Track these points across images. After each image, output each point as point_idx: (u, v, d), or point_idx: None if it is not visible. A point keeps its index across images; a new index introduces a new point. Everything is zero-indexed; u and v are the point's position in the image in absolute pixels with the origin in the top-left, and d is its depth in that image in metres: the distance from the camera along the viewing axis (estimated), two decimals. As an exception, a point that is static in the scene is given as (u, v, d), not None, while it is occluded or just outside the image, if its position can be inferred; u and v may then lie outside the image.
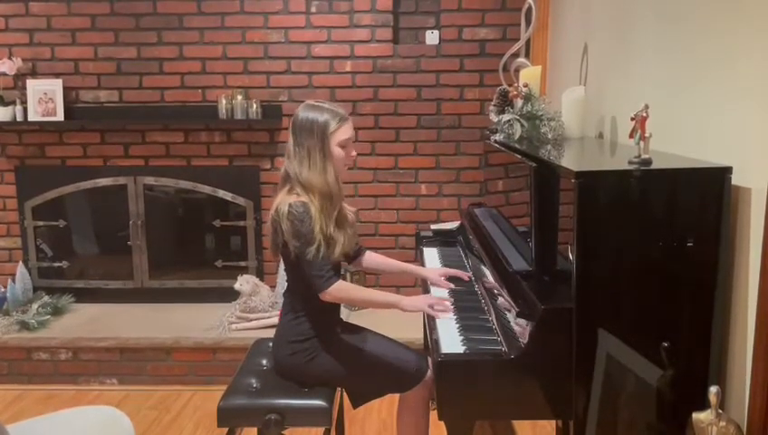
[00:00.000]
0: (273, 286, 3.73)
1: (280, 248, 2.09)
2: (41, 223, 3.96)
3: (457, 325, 1.98)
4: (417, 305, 2.12)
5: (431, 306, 2.08)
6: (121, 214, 3.90)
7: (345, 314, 2.32)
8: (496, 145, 2.47)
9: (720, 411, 1.37)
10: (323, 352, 2.11)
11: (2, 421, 1.65)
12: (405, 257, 3.82)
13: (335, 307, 2.20)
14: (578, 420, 1.59)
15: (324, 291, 2.01)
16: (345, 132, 2.09)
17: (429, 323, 2.06)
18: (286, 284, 2.22)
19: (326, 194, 2.04)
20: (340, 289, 2.04)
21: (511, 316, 1.80)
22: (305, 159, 2.04)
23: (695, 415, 1.40)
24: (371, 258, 2.40)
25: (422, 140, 3.84)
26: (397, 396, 2.19)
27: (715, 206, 1.50)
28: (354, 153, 2.18)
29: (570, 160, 1.96)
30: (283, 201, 2.04)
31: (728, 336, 1.55)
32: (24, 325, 3.50)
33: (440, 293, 2.26)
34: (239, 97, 3.73)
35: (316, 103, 2.13)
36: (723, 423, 1.36)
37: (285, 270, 2.19)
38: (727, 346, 1.55)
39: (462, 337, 1.88)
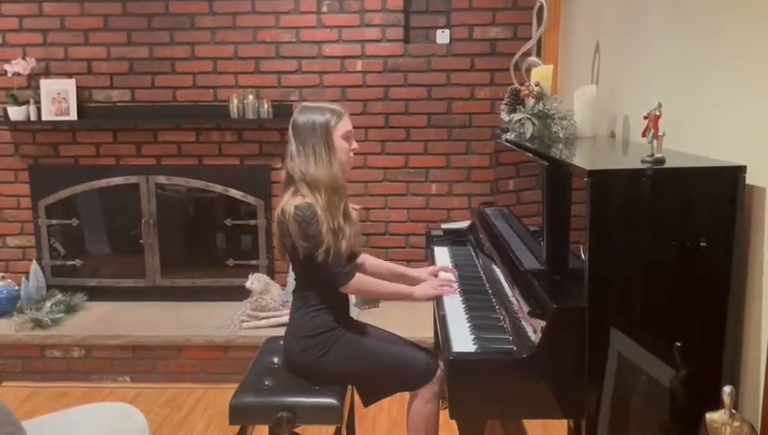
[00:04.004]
0: (283, 285, 3.75)
1: (288, 249, 2.12)
2: (54, 222, 4.00)
3: (469, 324, 1.98)
4: (426, 293, 2.24)
5: (438, 289, 2.24)
6: (133, 213, 3.93)
7: (355, 314, 2.33)
8: (507, 144, 2.47)
9: (734, 411, 1.36)
10: (334, 348, 2.12)
11: (17, 418, 1.67)
12: (415, 257, 3.84)
13: (345, 304, 2.23)
14: (589, 419, 1.59)
15: (346, 285, 2.09)
16: (345, 125, 2.15)
17: (440, 322, 2.07)
18: (295, 282, 2.23)
19: (333, 187, 2.08)
20: (361, 282, 2.13)
21: (522, 315, 1.80)
22: (311, 156, 2.08)
23: (708, 415, 1.39)
24: (373, 262, 2.42)
25: (432, 140, 3.84)
26: (407, 394, 2.19)
27: (728, 205, 1.49)
28: (356, 145, 2.22)
29: (582, 159, 1.96)
30: (288, 203, 2.08)
31: (742, 336, 1.54)
32: (38, 323, 3.53)
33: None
34: (250, 96, 3.75)
35: (312, 105, 2.19)
36: (736, 423, 1.35)
37: (293, 269, 2.21)
38: (741, 346, 1.55)
39: (473, 336, 1.88)
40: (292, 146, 2.13)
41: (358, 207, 2.31)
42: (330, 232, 2.03)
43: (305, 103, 2.22)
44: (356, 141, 2.21)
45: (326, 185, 2.07)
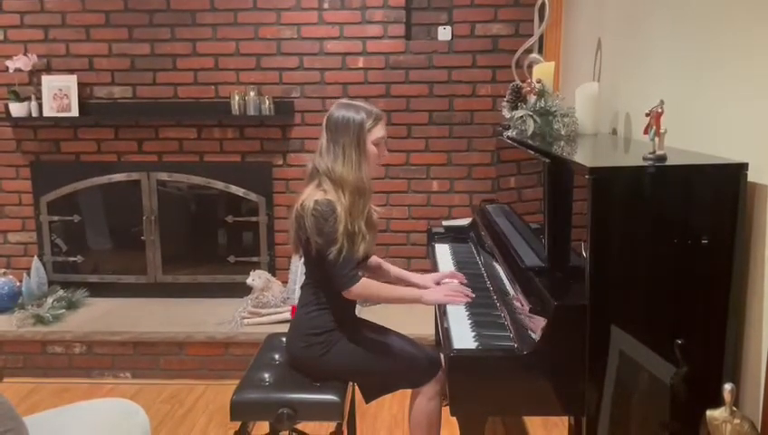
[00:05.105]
0: (284, 282, 3.75)
1: (302, 243, 2.10)
2: (56, 218, 4.00)
3: (470, 321, 1.98)
4: (436, 299, 2.15)
5: (449, 296, 2.13)
6: (135, 209, 3.93)
7: (357, 310, 2.32)
8: (509, 141, 2.47)
9: (734, 409, 1.36)
10: (337, 346, 2.11)
11: (18, 413, 1.67)
12: (416, 254, 3.85)
13: (351, 304, 2.21)
14: (590, 416, 1.59)
15: (349, 289, 2.03)
16: (380, 130, 2.11)
17: (441, 319, 2.06)
18: (304, 277, 2.23)
19: (358, 190, 2.05)
20: (365, 286, 2.06)
21: (523, 312, 1.80)
22: (340, 155, 2.05)
23: (709, 412, 1.39)
24: (382, 264, 2.39)
25: (434, 137, 3.84)
26: (409, 391, 2.19)
27: (730, 202, 1.49)
28: (386, 152, 2.18)
29: (583, 156, 1.96)
30: (309, 197, 2.05)
31: (743, 333, 1.54)
32: (39, 319, 3.54)
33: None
34: (252, 93, 3.75)
35: (351, 102, 2.14)
36: (737, 421, 1.35)
37: (305, 264, 2.19)
38: (742, 343, 1.55)
39: (474, 333, 1.88)
40: (323, 140, 2.09)
41: (380, 209, 2.27)
42: (345, 233, 2.00)
43: (343, 99, 2.19)
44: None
45: (352, 186, 2.04)
